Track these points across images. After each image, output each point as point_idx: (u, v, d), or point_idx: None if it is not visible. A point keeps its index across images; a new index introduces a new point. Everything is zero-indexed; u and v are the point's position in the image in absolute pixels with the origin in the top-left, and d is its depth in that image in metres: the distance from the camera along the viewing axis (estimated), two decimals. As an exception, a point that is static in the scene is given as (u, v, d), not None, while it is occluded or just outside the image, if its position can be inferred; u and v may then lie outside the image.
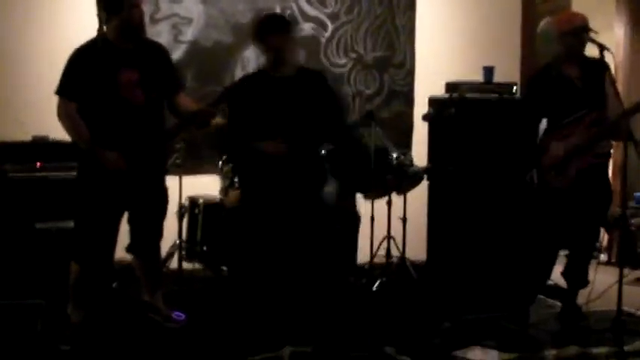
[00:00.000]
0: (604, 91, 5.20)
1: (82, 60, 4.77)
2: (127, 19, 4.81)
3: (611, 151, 5.52)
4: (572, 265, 5.47)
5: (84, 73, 4.72)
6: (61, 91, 4.79)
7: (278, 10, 7.08)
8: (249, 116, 5.15)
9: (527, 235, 5.45)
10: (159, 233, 5.19)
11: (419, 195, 6.62)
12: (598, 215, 5.44)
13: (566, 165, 5.19)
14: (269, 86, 5.15)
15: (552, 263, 5.46)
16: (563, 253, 5.59)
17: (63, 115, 4.77)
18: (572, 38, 5.21)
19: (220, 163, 6.06)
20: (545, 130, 5.33)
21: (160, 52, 5.15)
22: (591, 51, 5.20)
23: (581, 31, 5.17)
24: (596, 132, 5.13)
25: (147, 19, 6.26)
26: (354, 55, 7.43)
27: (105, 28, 4.85)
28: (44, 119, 5.85)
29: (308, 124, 5.17)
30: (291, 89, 5.15)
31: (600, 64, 5.15)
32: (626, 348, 4.83)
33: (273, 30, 5.14)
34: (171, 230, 5.85)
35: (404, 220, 6.45)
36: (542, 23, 8.61)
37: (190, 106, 5.04)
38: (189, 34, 6.93)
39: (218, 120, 5.21)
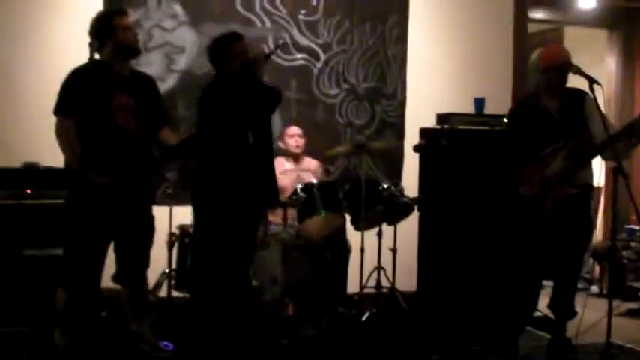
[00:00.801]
0: (583, 121, 5.23)
1: (78, 80, 4.80)
2: (121, 40, 4.85)
3: (596, 184, 5.52)
4: (557, 296, 5.46)
5: (80, 93, 4.75)
6: (59, 109, 4.80)
7: (271, 40, 7.11)
8: None
9: (512, 265, 5.45)
10: (145, 262, 5.17)
11: (409, 226, 6.62)
12: (579, 246, 5.44)
13: (544, 196, 5.21)
14: None
15: (537, 294, 5.45)
16: (549, 284, 5.59)
17: (62, 133, 4.77)
18: (555, 73, 5.25)
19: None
20: (524, 162, 5.34)
21: (150, 83, 5.20)
22: (581, 83, 5.21)
23: (564, 66, 5.21)
24: (573, 162, 5.16)
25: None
26: (346, 86, 7.45)
27: (98, 55, 4.89)
28: (34, 146, 5.89)
29: None
30: None
31: (578, 94, 5.20)
32: (614, 380, 4.83)
33: None
34: (161, 259, 5.84)
35: (394, 250, 6.44)
36: (534, 56, 8.70)
37: (173, 141, 5.09)
38: (181, 62, 6.95)
39: None
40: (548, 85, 5.33)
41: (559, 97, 5.31)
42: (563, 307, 5.44)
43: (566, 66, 5.21)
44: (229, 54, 5.09)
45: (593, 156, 5.24)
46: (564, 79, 5.30)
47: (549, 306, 5.53)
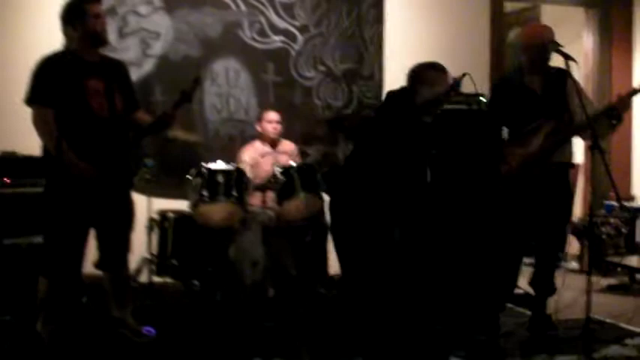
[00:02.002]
0: (565, 100, 5.25)
1: (49, 67, 4.76)
2: (90, 28, 4.82)
3: (576, 161, 5.54)
4: (537, 273, 5.49)
5: (52, 80, 4.71)
6: (33, 99, 4.77)
7: (246, 23, 7.10)
8: None
9: (492, 243, 5.47)
10: (126, 247, 5.16)
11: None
12: (560, 222, 5.47)
13: (523, 174, 5.23)
14: None
15: (517, 271, 5.48)
16: (529, 261, 5.62)
17: (40, 122, 4.74)
18: (537, 51, 5.26)
19: (190, 176, 6.02)
20: (506, 140, 5.36)
21: (121, 68, 5.17)
22: (557, 61, 5.23)
23: (546, 44, 5.21)
24: (553, 140, 5.18)
25: (115, 34, 6.32)
26: (323, 68, 7.44)
27: (67, 40, 4.87)
28: (10, 134, 5.85)
29: None
30: None
31: (561, 73, 5.20)
32: (594, 356, 4.85)
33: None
34: (140, 244, 5.83)
35: (374, 231, 6.45)
36: (512, 34, 8.71)
37: (148, 120, 5.09)
38: (157, 48, 6.92)
39: (178, 133, 5.22)
40: (531, 63, 5.34)
41: (542, 74, 5.33)
42: (544, 283, 5.47)
43: (549, 44, 5.22)
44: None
45: (573, 135, 5.27)
46: (547, 57, 5.29)
47: (530, 283, 5.56)
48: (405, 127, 4.77)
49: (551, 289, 5.48)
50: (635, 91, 5.10)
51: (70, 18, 4.85)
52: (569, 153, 5.44)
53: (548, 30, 5.34)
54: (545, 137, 5.19)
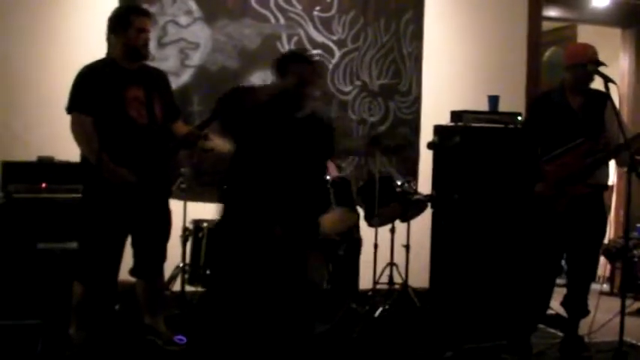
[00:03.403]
0: (603, 122, 5.23)
1: (89, 76, 4.82)
2: (131, 40, 4.87)
3: (609, 182, 5.51)
4: (571, 294, 5.46)
5: (92, 89, 4.76)
6: (74, 107, 4.83)
7: (285, 37, 7.13)
8: None
9: (526, 263, 5.45)
10: (162, 256, 5.20)
11: (422, 222, 6.63)
12: (593, 244, 5.43)
13: (558, 194, 5.21)
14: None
15: (550, 292, 5.45)
16: (562, 282, 5.60)
17: (79, 130, 4.80)
18: (582, 70, 5.23)
19: (225, 187, 6.02)
20: (542, 158, 5.34)
21: (162, 77, 5.23)
22: (596, 83, 5.22)
23: (591, 64, 5.20)
24: (590, 162, 5.16)
25: (154, 43, 6.35)
26: (359, 83, 7.46)
27: (110, 48, 4.92)
28: (49, 140, 5.90)
29: None
30: None
31: (602, 96, 5.18)
32: (627, 379, 4.83)
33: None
34: (174, 253, 5.85)
35: (407, 247, 6.47)
36: (548, 53, 8.69)
37: (185, 130, 5.13)
38: (196, 58, 6.95)
39: (216, 142, 5.22)
40: (574, 82, 5.31)
41: (583, 95, 5.31)
42: (577, 305, 5.44)
43: (592, 63, 5.21)
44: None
45: (610, 158, 5.24)
46: (590, 76, 5.27)
47: (562, 304, 5.53)
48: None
49: (584, 311, 5.45)
50: None
51: (115, 26, 4.91)
52: (606, 175, 5.42)
53: (592, 50, 5.31)
54: (583, 158, 5.17)
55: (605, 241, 7.64)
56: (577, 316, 5.48)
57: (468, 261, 6.29)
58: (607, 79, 5.02)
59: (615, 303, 5.09)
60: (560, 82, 5.44)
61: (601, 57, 5.24)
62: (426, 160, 7.21)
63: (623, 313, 4.94)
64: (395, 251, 6.45)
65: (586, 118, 5.24)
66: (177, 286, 6.23)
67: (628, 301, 5.31)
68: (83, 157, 4.92)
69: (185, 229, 6.11)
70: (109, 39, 4.94)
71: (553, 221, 5.25)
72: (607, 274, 8.38)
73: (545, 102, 5.49)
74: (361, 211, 6.36)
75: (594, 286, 7.50)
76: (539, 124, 5.39)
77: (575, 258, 5.40)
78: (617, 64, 8.76)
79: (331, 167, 6.74)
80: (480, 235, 6.29)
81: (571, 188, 5.18)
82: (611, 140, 5.17)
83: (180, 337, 5.20)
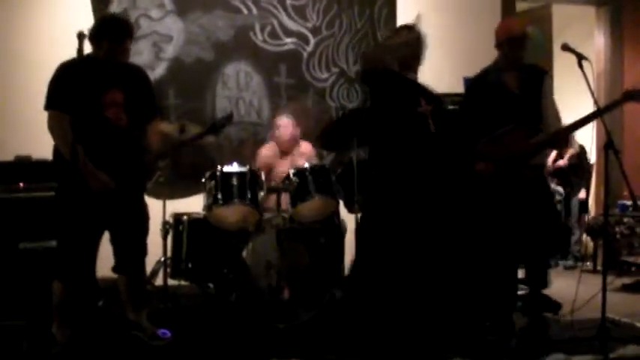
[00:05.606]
0: (540, 99, 5.27)
1: (68, 74, 4.79)
2: (119, 51, 4.89)
3: (590, 160, 5.54)
4: (531, 274, 5.54)
5: (70, 88, 4.73)
6: (51, 104, 4.79)
7: (258, 26, 7.12)
8: None
9: (480, 241, 5.41)
10: (143, 251, 5.18)
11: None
12: (545, 223, 5.42)
13: (499, 174, 5.22)
14: None
15: (514, 268, 5.50)
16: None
17: (56, 127, 4.77)
18: (508, 46, 5.25)
19: (204, 179, 6.00)
20: (481, 138, 5.31)
21: (141, 76, 5.19)
22: (570, 60, 5.20)
23: (517, 40, 5.21)
24: (533, 145, 5.17)
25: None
26: (336, 70, 7.44)
27: (92, 48, 4.89)
28: (26, 139, 5.86)
29: None
30: None
31: (538, 71, 5.21)
32: (611, 355, 4.83)
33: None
34: (155, 247, 5.84)
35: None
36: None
37: (155, 137, 5.13)
38: (170, 51, 6.95)
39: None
40: (505, 60, 5.34)
41: (518, 71, 5.32)
42: (538, 281, 5.51)
43: (519, 39, 5.22)
44: None
45: (557, 142, 5.29)
46: (520, 53, 5.30)
47: (524, 281, 5.58)
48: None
49: (544, 283, 5.52)
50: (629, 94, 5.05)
51: (111, 34, 4.89)
52: (544, 155, 5.44)
53: (518, 24, 5.35)
54: (524, 140, 5.16)
55: (587, 218, 7.72)
56: (538, 288, 5.52)
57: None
58: (580, 57, 5.03)
59: (598, 280, 5.10)
60: (495, 62, 5.44)
61: (576, 35, 5.27)
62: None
63: (604, 289, 4.97)
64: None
65: (523, 94, 5.26)
66: (159, 281, 6.22)
67: (610, 278, 5.31)
68: (56, 153, 4.88)
69: (165, 222, 6.08)
70: (90, 39, 4.89)
71: (501, 202, 5.25)
72: (590, 251, 8.42)
73: (481, 83, 5.49)
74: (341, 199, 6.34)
75: (572, 265, 7.61)
76: (476, 106, 5.39)
77: (529, 240, 5.34)
78: (592, 42, 8.78)
79: (311, 154, 6.74)
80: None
81: (517, 171, 5.19)
82: (547, 118, 5.23)
83: (163, 331, 5.19)
